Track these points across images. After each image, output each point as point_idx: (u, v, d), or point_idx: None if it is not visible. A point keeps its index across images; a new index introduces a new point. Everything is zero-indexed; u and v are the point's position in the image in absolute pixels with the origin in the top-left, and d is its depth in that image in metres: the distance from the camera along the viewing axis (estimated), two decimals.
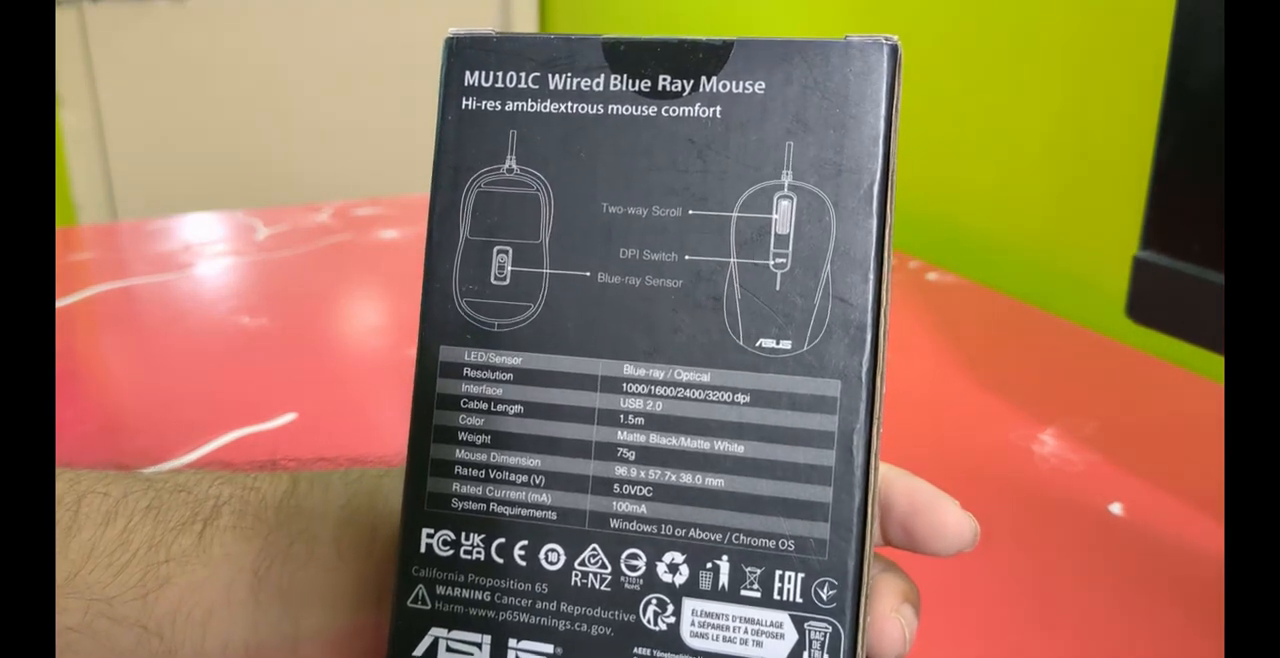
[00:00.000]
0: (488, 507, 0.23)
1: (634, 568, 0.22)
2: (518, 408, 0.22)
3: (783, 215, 0.21)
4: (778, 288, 0.21)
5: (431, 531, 0.23)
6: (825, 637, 0.21)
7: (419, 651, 0.23)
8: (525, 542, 0.22)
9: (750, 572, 0.22)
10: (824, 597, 0.21)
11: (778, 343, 0.21)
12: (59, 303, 0.72)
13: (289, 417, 0.53)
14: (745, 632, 0.22)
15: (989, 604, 0.39)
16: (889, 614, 0.24)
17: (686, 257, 0.22)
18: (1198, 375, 0.59)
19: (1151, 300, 0.43)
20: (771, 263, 0.22)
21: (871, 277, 0.21)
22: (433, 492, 0.23)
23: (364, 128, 1.76)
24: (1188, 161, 0.40)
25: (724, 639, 0.22)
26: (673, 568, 0.22)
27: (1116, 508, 0.46)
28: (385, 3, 1.76)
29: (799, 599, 0.21)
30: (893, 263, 0.22)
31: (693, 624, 0.22)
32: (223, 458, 0.49)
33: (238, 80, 1.74)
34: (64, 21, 1.66)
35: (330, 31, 1.77)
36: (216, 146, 1.74)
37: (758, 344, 0.22)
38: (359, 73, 1.76)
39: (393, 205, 1.01)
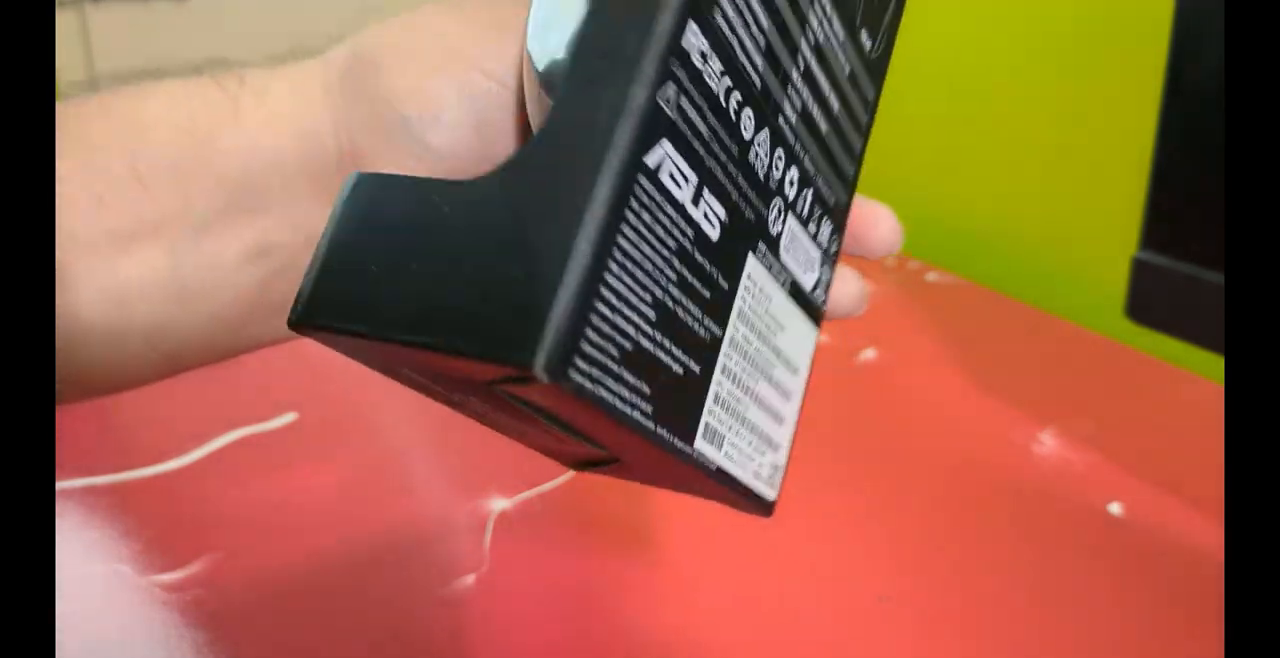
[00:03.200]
0: None
1: None
2: None
3: None
4: None
5: None
6: None
7: None
8: None
9: None
10: None
11: None
12: None
13: (289, 417, 0.53)
14: None
15: (988, 604, 0.39)
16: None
17: None
18: (1198, 375, 0.59)
19: (1151, 301, 0.43)
20: None
21: None
22: None
23: None
24: (1188, 162, 0.41)
25: None
26: None
27: (1115, 508, 0.46)
28: (388, 5, 1.77)
29: None
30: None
31: None
32: (223, 458, 0.49)
33: None
34: (65, 22, 1.67)
35: (332, 33, 1.77)
36: None
37: None
38: None
39: None
